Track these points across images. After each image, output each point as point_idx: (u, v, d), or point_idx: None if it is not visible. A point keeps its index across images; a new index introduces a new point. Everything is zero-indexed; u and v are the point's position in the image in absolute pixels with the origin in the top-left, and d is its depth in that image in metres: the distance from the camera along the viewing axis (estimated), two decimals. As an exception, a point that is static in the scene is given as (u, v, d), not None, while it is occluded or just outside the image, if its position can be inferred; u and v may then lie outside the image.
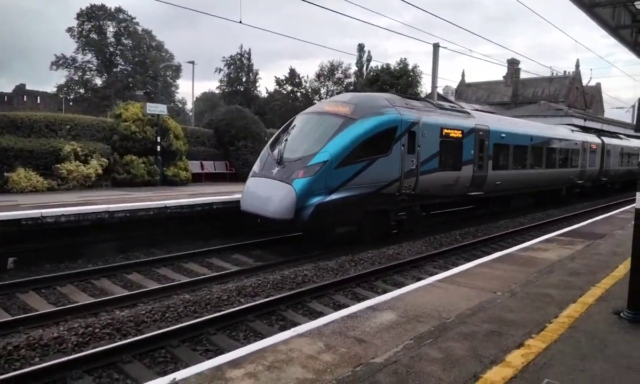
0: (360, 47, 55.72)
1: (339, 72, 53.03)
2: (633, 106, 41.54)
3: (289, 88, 53.37)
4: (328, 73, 52.44)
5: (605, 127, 41.64)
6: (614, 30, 10.51)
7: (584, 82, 60.02)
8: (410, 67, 38.62)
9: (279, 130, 13.71)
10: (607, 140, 28.51)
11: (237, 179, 20.94)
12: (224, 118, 21.97)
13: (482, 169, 16.29)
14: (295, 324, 6.41)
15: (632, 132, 46.63)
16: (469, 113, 17.11)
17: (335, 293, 8.74)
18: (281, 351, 4.15)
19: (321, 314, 7.28)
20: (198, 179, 19.87)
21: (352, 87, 51.74)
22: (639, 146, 34.05)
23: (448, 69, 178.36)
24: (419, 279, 9.26)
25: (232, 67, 54.45)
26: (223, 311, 7.37)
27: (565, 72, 57.55)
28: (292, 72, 53.57)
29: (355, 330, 4.68)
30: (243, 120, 21.67)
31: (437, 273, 8.63)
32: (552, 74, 54.45)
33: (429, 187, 13.78)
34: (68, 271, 9.51)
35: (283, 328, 7.00)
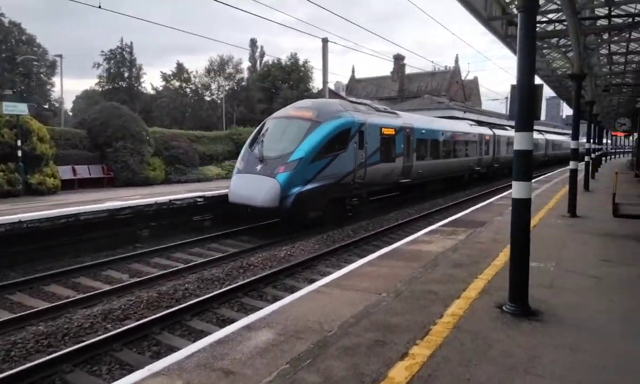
0: (253, 42, 54.80)
1: (230, 67, 51.65)
2: (506, 98, 45.70)
3: (177, 84, 50.88)
4: (218, 68, 50.80)
5: (483, 119, 44.81)
6: (486, 21, 10.90)
7: (463, 76, 64.47)
8: (301, 63, 38.50)
9: (254, 132, 16.03)
10: (497, 132, 32.46)
11: (116, 184, 19.18)
12: (99, 117, 19.96)
13: (409, 160, 19.35)
14: (172, 349, 5.64)
15: (506, 122, 51.16)
16: (397, 114, 20.07)
17: (220, 306, 8.05)
18: (129, 399, 3.40)
19: (201, 334, 6.55)
20: (70, 186, 17.83)
21: (244, 83, 50.71)
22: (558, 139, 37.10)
23: (340, 65, 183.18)
24: (312, 280, 8.89)
25: (112, 62, 50.56)
26: (83, 341, 6.35)
27: (446, 67, 61.36)
28: (180, 67, 51.20)
29: (225, 359, 4.04)
30: (120, 118, 19.85)
31: (329, 273, 8.29)
32: (435, 69, 57.82)
33: (374, 177, 16.63)
34: None
35: (157, 355, 6.18)
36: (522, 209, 5.02)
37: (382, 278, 6.41)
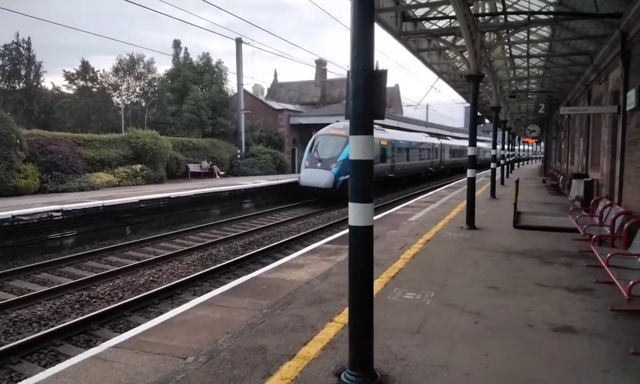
0: (177, 44, 51.34)
1: (141, 66, 48.26)
2: (426, 105, 48.27)
3: (81, 83, 46.76)
4: (128, 67, 47.30)
5: (402, 125, 45.27)
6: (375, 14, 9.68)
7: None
8: (213, 63, 36.35)
9: (310, 142, 24.27)
10: (442, 141, 43.48)
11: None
12: (-47, 118, 16.97)
13: (393, 162, 29.02)
14: None
15: (424, 128, 52.24)
16: (386, 131, 29.77)
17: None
18: None
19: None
20: None
21: (156, 83, 47.57)
22: (461, 144, 47.61)
23: (268, 69, 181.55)
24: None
25: (6, 58, 45.55)
26: None
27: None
28: (85, 66, 47.10)
29: None
30: (-20, 119, 16.99)
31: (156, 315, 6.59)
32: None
33: (378, 173, 24.92)
34: None
35: None
36: (361, 242, 3.66)
37: (206, 329, 4.85)
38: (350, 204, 3.65)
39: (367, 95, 3.53)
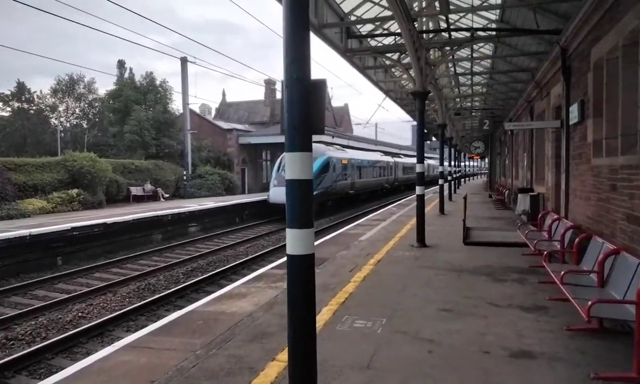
0: (121, 64, 49.26)
1: (81, 87, 46.19)
2: (375, 123, 49.23)
3: (17, 105, 44.17)
4: (67, 88, 45.15)
5: (352, 143, 45.72)
6: (318, 30, 9.42)
7: (334, 103, 65.33)
8: (158, 82, 35.23)
9: (278, 161, 25.47)
10: (396, 159, 46.56)
11: None
12: None
13: (353, 179, 31.11)
14: None
15: (373, 146, 53.10)
16: (346, 151, 33.04)
17: None
18: None
19: None
20: None
21: (97, 104, 45.64)
22: (412, 162, 47.85)
23: (217, 90, 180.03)
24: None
25: None
26: None
27: (317, 93, 61.58)
28: (21, 87, 44.57)
29: None
30: None
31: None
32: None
33: (339, 189, 27.92)
34: None
35: None
36: (301, 275, 3.20)
37: (128, 378, 4.22)
38: (288, 230, 3.19)
39: (304, 107, 3.11)
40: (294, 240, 3.13)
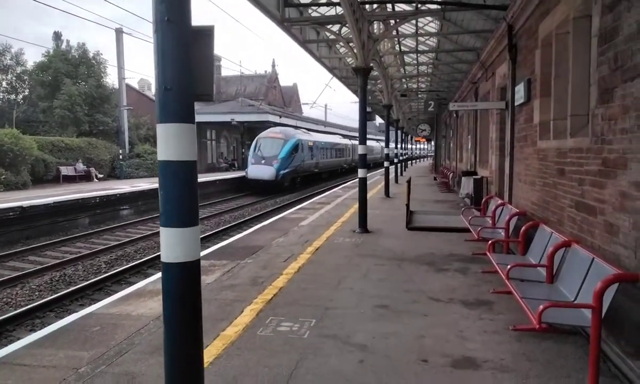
0: (57, 36, 45.37)
1: (8, 58, 42.47)
2: (324, 104, 48.70)
3: None
4: (-9, 59, 41.36)
5: (300, 124, 44.97)
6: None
7: (282, 82, 63.99)
8: (91, 55, 32.80)
9: (254, 142, 29.34)
10: (352, 141, 48.11)
11: None
12: None
13: (318, 159, 34.79)
14: None
15: (322, 127, 52.65)
16: (311, 134, 36.66)
17: None
18: None
19: None
20: None
21: (26, 78, 42.15)
22: (369, 144, 48.93)
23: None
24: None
25: None
26: None
27: (265, 71, 60.02)
28: (-64, 57, 40.41)
29: None
30: None
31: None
32: (254, 72, 56.13)
33: (306, 168, 31.59)
34: None
35: None
36: (181, 291, 2.41)
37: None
38: (162, 230, 2.39)
39: (183, 61, 2.29)
40: (171, 243, 2.34)
